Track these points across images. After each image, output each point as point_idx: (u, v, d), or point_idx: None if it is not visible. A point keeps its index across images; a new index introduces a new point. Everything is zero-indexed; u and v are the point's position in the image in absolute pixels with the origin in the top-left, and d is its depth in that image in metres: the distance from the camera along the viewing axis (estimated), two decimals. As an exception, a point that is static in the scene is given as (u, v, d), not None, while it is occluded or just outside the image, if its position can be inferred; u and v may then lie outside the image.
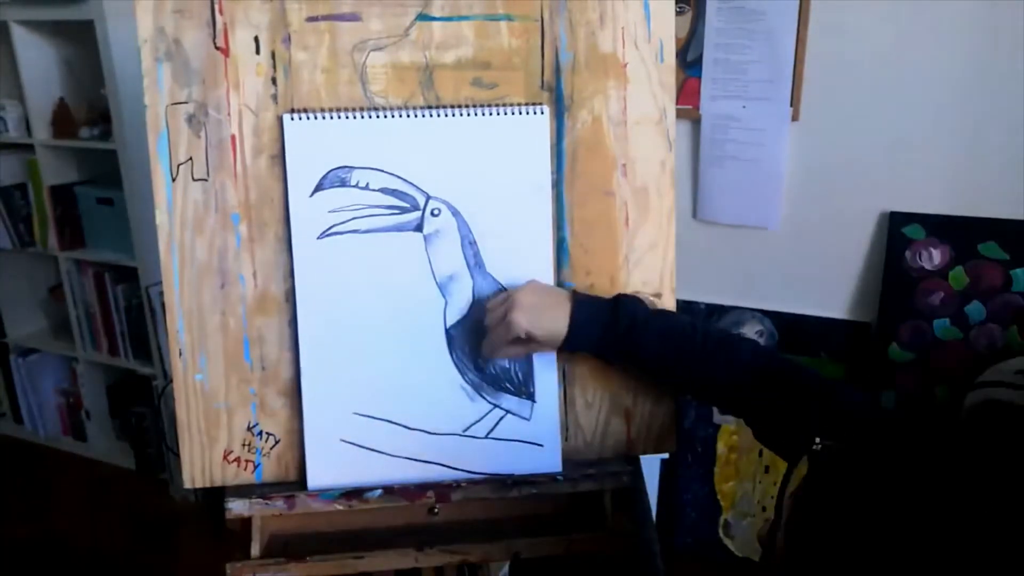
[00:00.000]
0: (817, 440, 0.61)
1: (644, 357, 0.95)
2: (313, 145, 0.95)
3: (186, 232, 0.95)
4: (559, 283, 1.01)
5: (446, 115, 0.97)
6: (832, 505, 0.58)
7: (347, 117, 0.96)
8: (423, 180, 0.97)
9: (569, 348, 0.96)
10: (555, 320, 0.93)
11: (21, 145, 2.44)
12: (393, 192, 0.96)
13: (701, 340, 0.93)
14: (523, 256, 0.99)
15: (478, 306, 0.98)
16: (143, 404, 2.50)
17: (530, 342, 0.95)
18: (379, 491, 0.98)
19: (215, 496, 1.00)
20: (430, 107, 0.97)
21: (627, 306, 0.94)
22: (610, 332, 0.93)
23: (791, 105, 1.81)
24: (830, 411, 0.84)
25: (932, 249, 1.75)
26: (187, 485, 0.99)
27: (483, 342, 0.97)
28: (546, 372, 1.00)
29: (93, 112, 2.35)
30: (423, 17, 0.96)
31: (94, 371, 2.63)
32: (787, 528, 0.61)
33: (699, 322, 0.96)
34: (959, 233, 1.72)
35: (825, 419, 0.84)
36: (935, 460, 0.55)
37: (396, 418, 0.99)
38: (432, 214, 0.97)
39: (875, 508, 0.55)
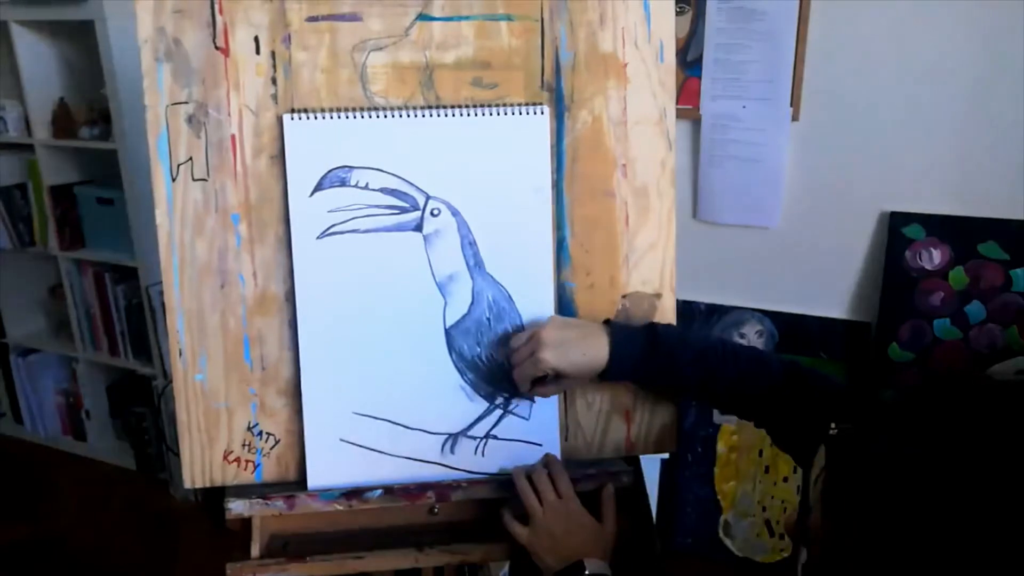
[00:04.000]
0: (833, 425, 0.61)
1: (681, 381, 0.95)
2: (313, 145, 0.95)
3: (186, 232, 0.95)
4: (559, 283, 1.01)
5: (446, 115, 0.97)
6: (858, 484, 0.58)
7: (347, 117, 0.96)
8: (423, 180, 0.97)
9: (608, 379, 0.95)
10: (587, 353, 0.93)
11: (21, 145, 2.44)
12: (393, 192, 0.96)
13: (733, 359, 0.93)
14: (523, 256, 0.99)
15: (478, 306, 0.98)
16: (143, 404, 2.50)
17: (560, 378, 0.95)
18: (379, 491, 0.98)
19: (215, 496, 0.99)
20: (430, 107, 0.97)
21: (663, 334, 0.94)
22: (651, 361, 0.93)
23: (791, 105, 1.81)
24: (851, 404, 0.86)
25: (932, 249, 1.75)
26: (187, 485, 0.99)
27: (514, 378, 0.97)
28: (546, 372, 1.00)
29: (93, 112, 2.35)
30: (423, 17, 0.96)
31: (94, 371, 2.63)
32: (823, 511, 0.61)
33: (726, 341, 0.97)
34: (959, 233, 1.72)
35: (845, 410, 0.85)
36: (961, 428, 0.55)
37: (396, 418, 0.99)
38: (432, 214, 0.97)
39: (903, 484, 0.55)
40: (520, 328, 0.99)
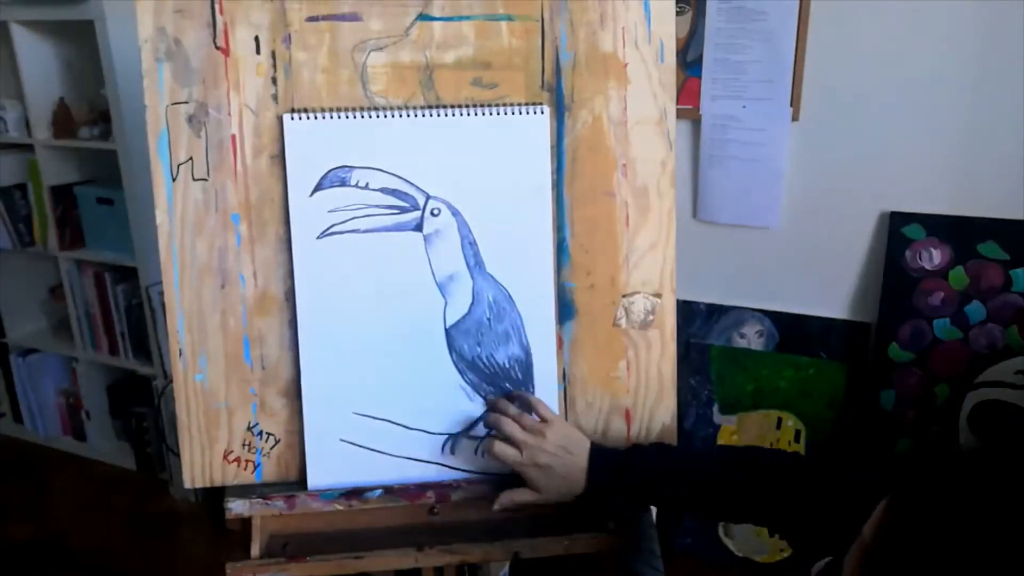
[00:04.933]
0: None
1: (662, 503, 0.95)
2: (313, 145, 0.95)
3: (186, 232, 0.95)
4: (559, 283, 1.01)
5: (446, 115, 0.97)
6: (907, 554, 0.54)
7: (347, 117, 0.96)
8: (423, 180, 0.97)
9: (588, 502, 0.96)
10: (571, 478, 0.93)
11: (21, 145, 2.44)
12: (393, 192, 0.96)
13: (725, 481, 0.91)
14: (523, 256, 0.99)
15: (478, 306, 0.98)
16: (143, 404, 2.50)
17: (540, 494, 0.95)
18: (379, 491, 0.98)
19: (215, 496, 1.00)
20: (430, 107, 0.97)
21: (642, 455, 0.94)
22: (626, 486, 0.93)
23: (791, 105, 1.80)
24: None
25: (932, 249, 1.75)
26: (187, 485, 0.99)
27: (499, 503, 0.96)
28: (546, 372, 1.00)
29: (93, 112, 2.35)
30: (423, 17, 0.96)
31: (94, 371, 2.62)
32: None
33: (720, 450, 0.95)
34: (959, 233, 1.72)
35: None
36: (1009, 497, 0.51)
37: (396, 418, 0.99)
38: (432, 214, 0.97)
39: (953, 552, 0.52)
40: (519, 328, 0.99)
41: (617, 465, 0.94)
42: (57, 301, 2.67)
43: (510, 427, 0.94)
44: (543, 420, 0.95)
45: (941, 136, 1.72)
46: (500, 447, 0.94)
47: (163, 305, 1.01)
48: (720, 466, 0.93)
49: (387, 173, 0.96)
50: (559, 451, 0.93)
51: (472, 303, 0.98)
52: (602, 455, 0.94)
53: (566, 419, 1.03)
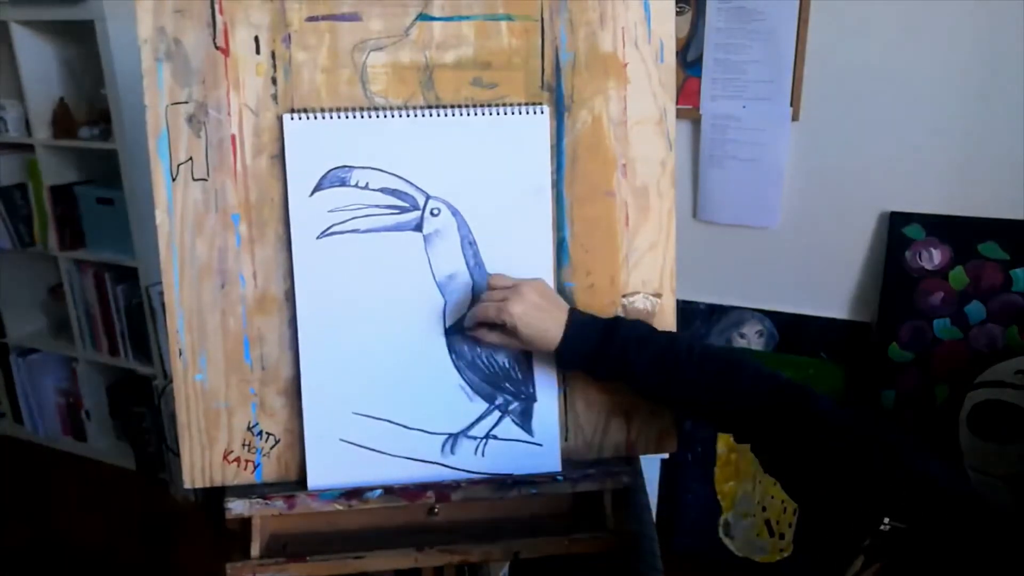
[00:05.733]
0: (886, 521, 0.54)
1: (636, 381, 0.94)
2: (313, 145, 0.95)
3: (186, 232, 0.95)
4: (559, 283, 1.01)
5: (446, 115, 0.97)
6: None
7: (347, 117, 0.96)
8: (423, 180, 0.97)
9: (560, 365, 0.96)
10: (548, 328, 0.93)
11: (21, 145, 2.44)
12: (393, 192, 0.96)
13: (697, 366, 0.91)
14: (523, 256, 0.99)
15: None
16: (143, 404, 2.50)
17: (511, 336, 0.94)
18: (379, 491, 0.98)
19: (215, 496, 0.99)
20: (430, 107, 0.97)
21: (621, 329, 0.93)
22: (601, 353, 0.93)
23: (791, 105, 1.81)
24: (893, 479, 0.73)
25: (932, 249, 1.75)
26: (187, 485, 0.99)
27: (471, 311, 0.96)
28: (546, 372, 1.00)
29: (93, 112, 2.35)
30: (423, 17, 0.96)
31: (94, 371, 2.63)
32: None
33: (697, 345, 0.93)
34: (959, 233, 1.72)
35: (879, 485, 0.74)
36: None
37: (396, 418, 0.99)
38: (432, 214, 0.97)
39: None
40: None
41: (596, 327, 0.93)
42: (57, 301, 2.67)
43: (487, 297, 0.94)
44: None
45: (941, 136, 1.72)
46: (481, 306, 0.94)
47: (163, 305, 1.01)
48: (706, 366, 0.90)
49: (387, 173, 0.96)
50: (538, 300, 0.93)
51: (472, 303, 0.98)
52: (583, 315, 0.95)
53: (566, 419, 1.03)
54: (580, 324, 0.94)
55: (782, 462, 0.88)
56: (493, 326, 0.94)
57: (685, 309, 1.98)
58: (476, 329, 0.96)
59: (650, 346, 0.92)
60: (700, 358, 0.91)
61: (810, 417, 0.84)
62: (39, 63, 2.34)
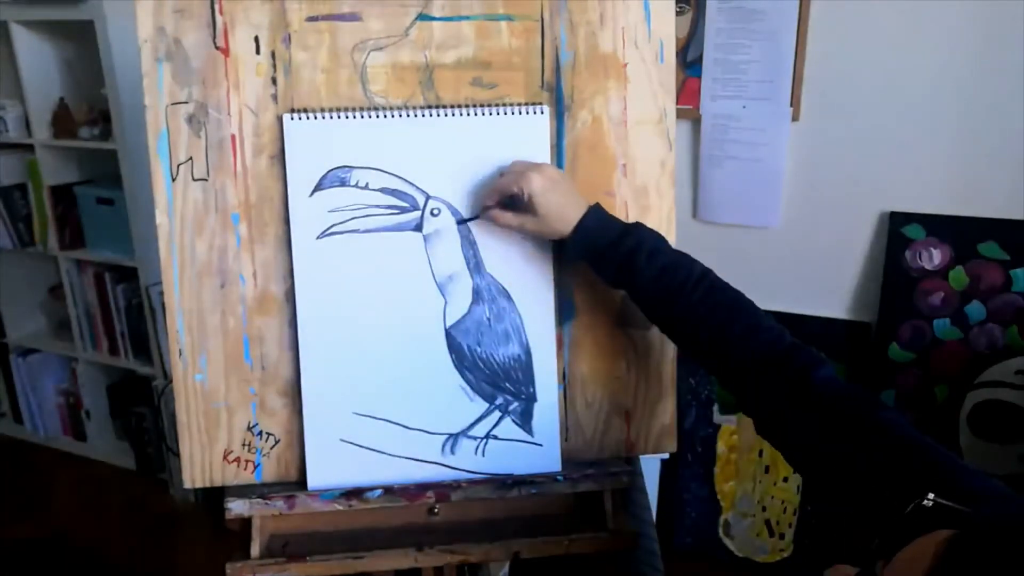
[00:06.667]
0: (930, 496, 0.47)
1: (638, 292, 0.91)
2: (313, 145, 0.95)
3: (186, 232, 0.95)
4: (559, 283, 1.01)
5: (446, 115, 0.97)
6: None
7: (347, 117, 0.96)
8: (423, 180, 0.97)
9: (568, 254, 0.93)
10: (565, 209, 0.91)
11: (21, 145, 2.44)
12: (393, 192, 0.96)
13: (702, 294, 0.87)
14: (523, 256, 0.99)
15: (478, 306, 0.98)
16: (143, 404, 2.50)
17: (526, 215, 0.91)
18: (379, 491, 0.98)
19: (215, 496, 0.99)
20: (430, 107, 0.97)
21: (639, 233, 0.91)
22: (612, 248, 0.90)
23: (791, 105, 1.81)
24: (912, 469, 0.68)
25: (932, 249, 1.75)
26: (187, 485, 0.99)
27: (491, 185, 0.94)
28: (546, 372, 1.00)
29: (93, 112, 2.35)
30: (423, 17, 0.96)
31: (94, 371, 2.63)
32: None
33: (712, 277, 0.89)
34: (959, 233, 1.72)
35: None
36: None
37: (396, 418, 0.99)
38: (432, 214, 0.97)
39: None
40: (519, 328, 0.99)
41: (614, 225, 0.91)
42: (57, 301, 2.67)
43: (508, 171, 0.93)
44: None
45: (941, 136, 1.72)
46: (501, 179, 0.92)
47: (163, 305, 1.01)
48: (709, 298, 0.87)
49: (387, 173, 0.96)
50: (559, 179, 0.91)
51: (472, 303, 0.98)
52: (603, 211, 0.92)
53: (566, 419, 1.03)
54: (598, 216, 0.91)
55: (774, 428, 0.83)
56: (509, 205, 0.92)
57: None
58: (491, 209, 0.94)
59: (660, 258, 0.89)
60: (708, 288, 0.88)
61: (804, 387, 0.79)
62: (39, 63, 2.34)
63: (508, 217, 0.93)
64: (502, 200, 0.93)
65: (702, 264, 0.91)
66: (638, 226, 0.92)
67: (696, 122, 1.92)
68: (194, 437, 0.98)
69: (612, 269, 0.92)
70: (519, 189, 0.90)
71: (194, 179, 0.95)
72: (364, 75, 0.96)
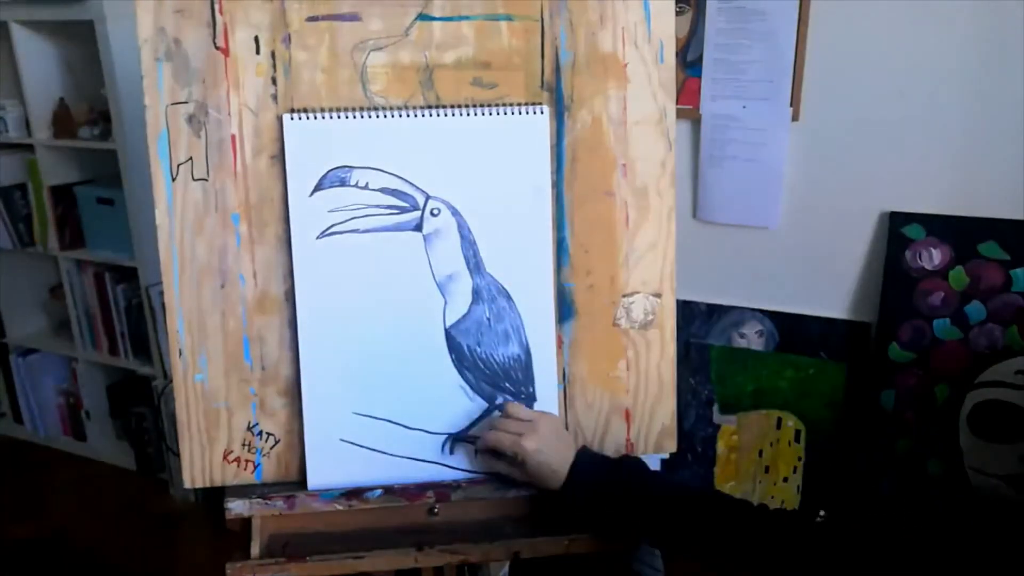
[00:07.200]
0: (821, 513, 0.58)
1: (647, 531, 0.95)
2: (313, 145, 0.95)
3: (186, 232, 0.95)
4: (559, 283, 1.01)
5: (446, 115, 0.97)
6: None
7: (347, 117, 0.96)
8: (423, 180, 0.97)
9: (564, 504, 0.95)
10: (554, 470, 0.94)
11: (21, 145, 2.44)
12: (393, 192, 0.96)
13: (709, 514, 0.93)
14: (523, 256, 0.99)
15: (478, 306, 0.98)
16: (143, 404, 2.50)
17: (516, 467, 0.95)
18: (379, 491, 0.98)
19: (215, 496, 0.99)
20: (430, 107, 0.97)
21: (629, 463, 0.95)
22: (608, 505, 0.93)
23: (791, 105, 1.80)
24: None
25: (932, 249, 1.75)
26: (187, 485, 0.99)
27: (485, 436, 0.96)
28: (546, 372, 1.00)
29: (93, 112, 2.35)
30: (423, 17, 0.96)
31: (94, 371, 2.63)
32: None
33: (704, 492, 0.95)
34: (959, 233, 1.72)
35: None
36: None
37: (396, 418, 0.99)
38: (432, 214, 0.97)
39: None
40: (519, 328, 0.99)
41: (602, 467, 0.95)
42: (57, 301, 2.67)
43: (502, 426, 0.95)
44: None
45: (941, 136, 1.72)
46: (494, 434, 0.95)
47: (163, 305, 1.01)
48: (703, 509, 0.93)
49: (387, 173, 0.96)
50: (553, 439, 0.94)
51: (472, 303, 0.98)
52: (590, 453, 0.96)
53: (566, 418, 1.03)
54: (583, 471, 0.94)
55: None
56: (501, 454, 0.95)
57: (685, 309, 1.98)
58: (488, 450, 0.97)
59: (656, 479, 0.95)
60: (716, 503, 0.96)
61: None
62: (39, 63, 2.34)
63: (500, 465, 0.97)
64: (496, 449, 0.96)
65: (688, 484, 0.99)
66: (626, 459, 0.96)
67: (696, 122, 1.92)
68: (194, 437, 0.98)
69: (606, 509, 0.94)
70: (514, 453, 0.93)
71: (194, 179, 0.95)
72: (364, 75, 0.96)
